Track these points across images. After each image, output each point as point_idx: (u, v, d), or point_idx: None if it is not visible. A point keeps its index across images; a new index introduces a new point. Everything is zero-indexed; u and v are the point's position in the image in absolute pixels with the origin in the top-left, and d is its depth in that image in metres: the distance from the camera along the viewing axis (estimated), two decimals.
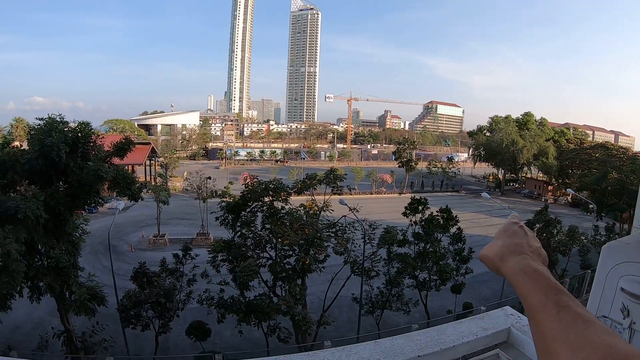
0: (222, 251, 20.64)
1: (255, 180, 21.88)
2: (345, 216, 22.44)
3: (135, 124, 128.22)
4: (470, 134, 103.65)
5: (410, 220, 25.97)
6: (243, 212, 21.38)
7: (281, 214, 21.21)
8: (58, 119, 18.50)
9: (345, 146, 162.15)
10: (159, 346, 20.59)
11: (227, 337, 22.59)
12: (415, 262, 23.30)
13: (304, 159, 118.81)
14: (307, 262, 20.11)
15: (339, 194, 23.55)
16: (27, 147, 19.20)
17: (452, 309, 25.95)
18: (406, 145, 79.60)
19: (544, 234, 29.53)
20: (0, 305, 17.06)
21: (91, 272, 20.69)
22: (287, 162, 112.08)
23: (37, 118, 18.83)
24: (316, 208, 23.02)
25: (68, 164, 17.78)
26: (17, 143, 24.13)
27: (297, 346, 20.64)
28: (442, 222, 25.49)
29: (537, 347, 0.88)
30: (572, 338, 0.81)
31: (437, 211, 25.84)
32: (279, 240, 20.57)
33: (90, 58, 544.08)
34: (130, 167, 52.54)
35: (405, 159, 78.55)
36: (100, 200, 19.51)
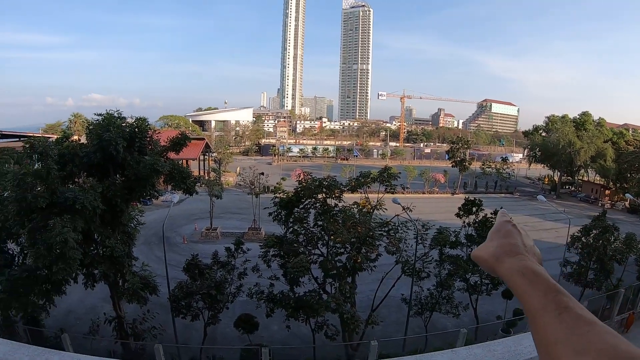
0: (274, 246, 20.68)
1: (309, 177, 21.78)
2: (398, 215, 22.05)
3: (190, 120, 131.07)
4: (526, 133, 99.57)
5: (464, 222, 25.31)
6: (296, 209, 21.35)
7: (334, 212, 21.10)
8: (116, 114, 19.18)
9: (397, 144, 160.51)
10: (207, 336, 20.89)
11: (274, 331, 22.70)
12: (467, 264, 22.64)
13: (356, 156, 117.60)
14: (358, 261, 19.91)
15: (392, 193, 23.25)
16: (86, 141, 19.84)
17: (502, 315, 25.10)
18: (460, 145, 78.05)
19: (601, 241, 28.05)
20: (55, 290, 17.88)
21: (144, 262, 21.25)
22: (348, 159, 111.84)
23: (95, 114, 19.51)
24: (369, 206, 22.74)
25: (125, 158, 18.30)
26: (75, 137, 24.99)
27: (343, 344, 20.52)
28: None
29: (538, 351, 0.85)
30: (574, 340, 0.78)
31: (490, 213, 25.00)
32: (331, 237, 20.50)
33: (146, 57, 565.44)
34: (185, 161, 53.82)
35: (458, 159, 77.14)
36: (155, 193, 19.98)
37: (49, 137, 33.64)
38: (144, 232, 23.59)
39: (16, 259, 21.48)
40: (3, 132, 55.41)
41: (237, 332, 21.07)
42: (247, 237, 37.71)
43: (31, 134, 61.44)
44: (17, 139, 57.73)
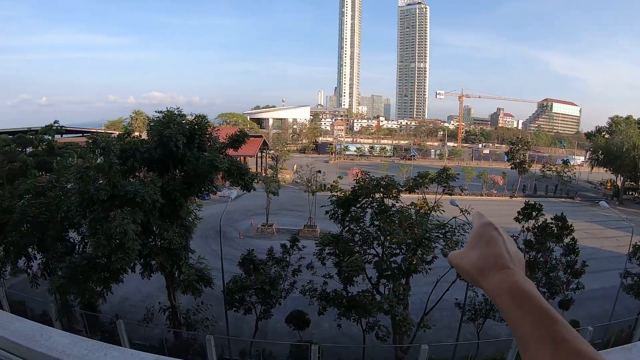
0: (329, 244, 20.60)
1: (367, 176, 21.47)
2: (455, 217, 21.42)
3: (248, 117, 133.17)
4: (588, 135, 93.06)
5: (522, 227, 24.28)
6: (353, 208, 21.09)
7: (391, 212, 20.72)
8: (176, 112, 19.60)
9: (455, 144, 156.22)
10: (258, 330, 21.02)
11: (325, 329, 22.67)
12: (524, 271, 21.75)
13: (413, 156, 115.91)
14: (413, 262, 19.51)
15: (450, 194, 22.67)
16: (147, 137, 20.42)
17: None
18: (519, 146, 74.92)
19: None
20: (113, 278, 18.47)
21: (201, 255, 21.51)
22: (411, 158, 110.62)
23: (156, 111, 20.04)
24: (427, 207, 22.24)
25: (185, 154, 18.65)
26: (136, 133, 25.88)
27: (393, 346, 20.25)
28: (556, 230, 23.60)
29: None
30: None
31: (551, 218, 24.01)
32: (387, 238, 20.19)
33: (205, 56, 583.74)
34: (243, 158, 54.55)
35: (518, 160, 74.16)
36: (213, 188, 20.27)
37: (111, 133, 34.85)
38: (202, 225, 23.97)
39: (77, 247, 22.40)
40: (67, 128, 57.77)
41: (288, 327, 21.23)
42: (303, 235, 37.76)
43: (94, 130, 64.06)
44: (81, 135, 60.39)
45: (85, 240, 20.71)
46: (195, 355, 20.48)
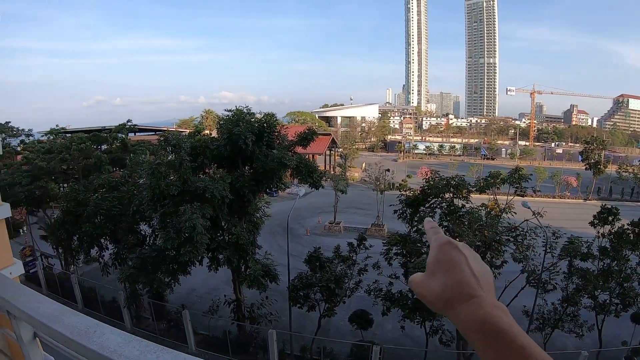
0: (396, 244, 20.31)
1: (436, 175, 21.01)
2: (527, 220, 20.59)
3: (316, 116, 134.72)
4: None
5: (598, 232, 22.68)
6: (422, 207, 20.70)
7: (461, 213, 20.17)
8: (245, 110, 19.91)
9: (527, 143, 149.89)
10: (320, 328, 21.01)
11: (387, 329, 22.47)
12: (597, 280, 20.52)
13: (484, 155, 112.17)
14: None
15: (522, 196, 21.66)
16: (216, 135, 20.83)
17: (629, 340, 22.30)
18: (594, 145, 70.27)
19: None
20: (181, 269, 19.08)
21: (267, 250, 21.72)
22: (484, 158, 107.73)
23: (225, 110, 20.44)
24: (498, 209, 21.49)
25: (254, 151, 18.91)
26: (206, 131, 26.62)
27: (456, 352, 19.81)
28: (632, 237, 21.87)
29: None
30: None
31: (627, 224, 22.18)
32: (456, 239, 19.47)
33: (274, 56, 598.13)
34: (311, 156, 54.99)
35: (592, 161, 69.56)
36: (282, 185, 20.42)
37: (182, 131, 36.00)
38: (269, 221, 24.30)
39: (147, 239, 23.32)
40: (139, 127, 60.36)
41: (351, 326, 21.12)
42: (370, 233, 37.66)
43: (166, 128, 66.59)
44: (153, 133, 62.93)
45: (156, 233, 21.57)
46: (257, 348, 20.81)
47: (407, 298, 18.98)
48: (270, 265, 19.81)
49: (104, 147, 39.26)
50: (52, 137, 42.40)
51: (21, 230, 44.30)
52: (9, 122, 52.50)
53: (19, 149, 46.39)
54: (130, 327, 23.88)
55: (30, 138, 49.11)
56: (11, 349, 2.78)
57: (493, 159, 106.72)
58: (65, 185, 34.59)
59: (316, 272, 20.50)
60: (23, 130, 50.87)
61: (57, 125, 44.91)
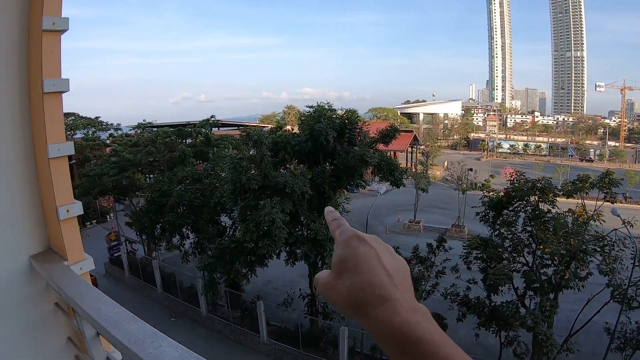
0: (477, 248, 19.59)
1: (522, 177, 20.15)
2: (616, 229, 19.14)
3: (398, 112, 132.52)
4: None
5: None
6: (505, 210, 20.02)
7: (546, 218, 19.20)
8: (326, 106, 20.04)
9: (617, 144, 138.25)
10: None
11: (461, 335, 21.79)
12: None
13: (571, 156, 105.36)
14: (565, 277, 17.83)
15: (612, 202, 20.22)
16: (298, 131, 21.09)
17: None
18: None
19: None
20: (258, 261, 19.62)
21: None
22: (593, 160, 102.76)
23: (307, 106, 20.71)
24: (586, 216, 20.29)
25: (335, 148, 18.99)
26: (288, 127, 27.06)
27: None
28: None
29: None
30: None
31: None
32: (540, 246, 18.63)
33: (353, 52, 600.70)
34: (393, 153, 54.50)
35: None
36: (362, 182, 20.39)
37: (264, 127, 36.76)
38: (348, 218, 23.72)
39: (227, 231, 24.06)
40: (222, 122, 62.42)
41: None
42: (450, 234, 36.79)
43: (248, 124, 68.42)
44: (236, 128, 64.80)
45: (235, 225, 22.20)
46: (327, 344, 20.94)
47: (484, 305, 18.42)
48: None
49: (188, 141, 40.86)
50: (139, 131, 44.65)
51: (108, 217, 46.99)
52: (99, 117, 55.61)
53: (108, 141, 49.08)
54: (205, 313, 24.74)
55: (119, 132, 51.79)
56: (80, 339, 2.93)
57: (591, 161, 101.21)
58: (151, 175, 36.34)
59: None
60: (112, 124, 53.72)
61: (144, 120, 47.10)
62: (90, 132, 49.68)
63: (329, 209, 0.93)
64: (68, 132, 49.80)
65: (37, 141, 2.99)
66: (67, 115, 58.43)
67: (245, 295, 24.31)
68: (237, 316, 23.60)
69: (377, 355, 20.56)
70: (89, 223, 45.93)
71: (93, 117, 55.70)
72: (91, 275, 4.19)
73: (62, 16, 2.81)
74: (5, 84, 2.87)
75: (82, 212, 3.19)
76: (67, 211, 2.99)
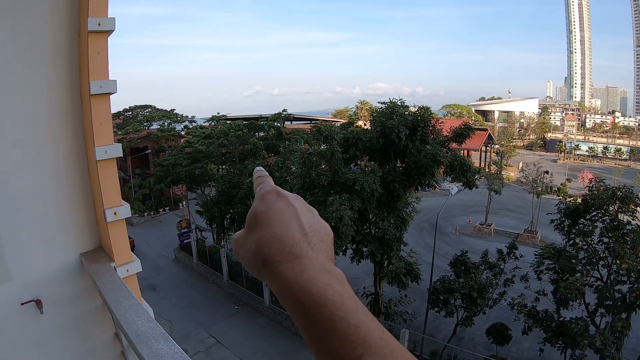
0: (549, 258, 18.65)
1: (602, 184, 18.79)
2: None
3: (472, 109, 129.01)
4: None
5: None
6: (582, 219, 18.91)
7: (625, 230, 17.77)
8: (399, 103, 19.79)
9: None
10: (455, 335, 20.39)
11: (524, 348, 21.05)
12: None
13: None
14: None
15: None
16: (369, 127, 20.99)
17: None
18: None
19: None
20: None
21: (413, 248, 21.45)
22: None
23: (379, 102, 20.57)
24: None
25: (406, 146, 18.68)
26: (360, 122, 27.05)
27: None
28: None
29: None
30: None
31: None
32: (616, 261, 17.42)
33: (428, 47, 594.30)
34: (466, 152, 53.11)
35: None
36: (434, 182, 20.07)
37: (335, 122, 36.94)
38: (418, 216, 24.02)
39: None
40: (294, 116, 63.26)
41: (486, 339, 20.10)
42: (521, 239, 35.15)
43: (320, 118, 69.10)
44: (308, 122, 65.65)
45: None
46: None
47: (552, 319, 17.55)
48: (414, 264, 19.53)
49: (260, 134, 41.68)
50: (213, 124, 46.00)
51: (180, 204, 48.79)
52: (174, 109, 57.69)
53: (183, 133, 50.91)
54: (268, 304, 25.20)
55: (193, 124, 53.52)
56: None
57: None
58: (224, 167, 37.39)
59: (460, 277, 19.80)
60: (187, 116, 55.56)
61: (218, 113, 48.47)
62: (166, 124, 51.54)
63: (257, 169, 0.85)
64: (145, 124, 52.08)
65: (88, 143, 3.02)
66: (144, 107, 61.43)
67: None
68: None
69: None
70: (162, 210, 47.89)
71: (169, 109, 57.88)
72: (130, 238, 4.26)
73: (109, 16, 2.80)
74: (58, 86, 2.91)
75: (130, 215, 3.21)
76: (115, 214, 3.05)
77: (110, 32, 2.88)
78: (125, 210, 3.16)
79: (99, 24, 2.77)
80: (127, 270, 3.21)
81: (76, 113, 3.04)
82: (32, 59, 2.79)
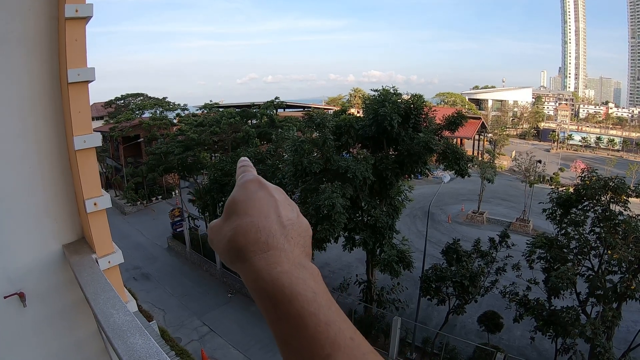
0: (541, 247, 18.66)
1: (593, 174, 18.68)
2: None
3: (466, 98, 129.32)
4: None
5: None
6: (574, 209, 18.87)
7: (617, 220, 17.78)
8: (392, 90, 19.60)
9: None
10: (447, 323, 20.48)
11: (516, 336, 21.17)
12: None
13: None
14: (632, 287, 16.53)
15: None
16: (362, 115, 20.88)
17: None
18: None
19: None
20: (317, 246, 19.37)
21: (405, 235, 21.51)
22: None
23: (372, 89, 20.40)
24: None
25: (399, 133, 18.59)
26: (352, 110, 26.96)
27: None
28: None
29: None
30: None
31: None
32: (608, 251, 17.37)
33: (423, 35, 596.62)
34: (459, 140, 52.97)
35: None
36: (426, 170, 20.03)
37: (328, 109, 36.83)
38: (411, 204, 24.00)
39: None
40: (287, 103, 63.13)
41: (478, 327, 20.18)
42: (514, 228, 35.48)
43: (313, 106, 69.10)
44: (301, 109, 65.69)
45: None
46: (379, 332, 20.81)
47: (543, 308, 17.65)
48: (406, 252, 19.45)
49: (253, 121, 41.49)
50: (205, 111, 45.80)
51: (173, 193, 48.68)
52: (166, 97, 57.53)
53: (175, 121, 50.70)
54: None
55: (186, 112, 53.32)
56: None
57: None
58: (216, 155, 37.24)
59: (452, 265, 19.82)
60: (179, 104, 55.35)
61: (210, 100, 48.34)
62: (158, 112, 51.31)
63: (242, 159, 0.82)
64: (137, 112, 51.82)
65: (68, 133, 2.97)
66: (136, 95, 61.17)
67: None
68: None
69: (427, 348, 20.38)
70: (154, 198, 47.75)
71: (161, 97, 57.65)
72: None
73: (87, 2, 2.76)
74: (37, 74, 2.85)
75: (111, 205, 3.18)
76: (95, 204, 3.03)
77: (88, 18, 2.82)
78: (105, 200, 3.13)
79: (77, 11, 2.71)
80: (109, 262, 3.20)
81: (56, 102, 2.98)
82: (10, 46, 2.73)
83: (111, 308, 2.15)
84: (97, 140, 2.99)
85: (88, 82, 2.90)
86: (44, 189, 3.03)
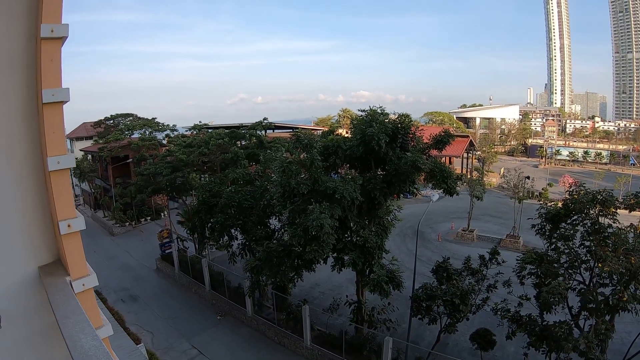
0: (531, 263, 18.54)
1: (581, 188, 18.78)
2: None
3: (454, 116, 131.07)
4: None
5: None
6: (563, 223, 18.85)
7: (606, 233, 17.73)
8: (379, 110, 19.65)
9: None
10: (439, 342, 20.29)
11: (509, 353, 21.10)
12: None
13: (633, 164, 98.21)
14: (624, 299, 16.71)
15: None
16: (350, 135, 20.95)
17: None
18: None
19: None
20: (305, 266, 19.53)
21: (394, 255, 21.51)
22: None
23: (359, 110, 20.55)
24: None
25: (387, 153, 18.61)
26: (341, 130, 27.11)
27: None
28: None
29: None
30: None
31: None
32: (598, 264, 17.30)
33: (410, 55, 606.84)
34: (447, 159, 53.12)
35: None
36: (414, 189, 19.96)
37: (316, 130, 36.91)
38: (400, 223, 23.95)
39: (276, 233, 24.23)
40: (276, 124, 63.55)
41: (471, 345, 20.02)
42: (504, 244, 35.77)
43: (301, 126, 69.51)
44: (290, 130, 66.12)
45: (284, 229, 22.29)
46: (371, 352, 20.55)
47: (535, 323, 17.50)
48: (396, 272, 19.36)
49: (243, 142, 41.47)
50: (195, 132, 45.78)
51: (162, 214, 48.42)
52: (155, 118, 57.43)
53: (164, 142, 50.61)
54: (250, 314, 25.02)
55: (175, 133, 53.24)
56: None
57: None
58: (205, 176, 37.14)
59: (442, 283, 19.72)
60: (168, 125, 55.22)
61: (200, 121, 48.30)
62: (147, 133, 51.21)
63: None
64: (126, 132, 51.70)
65: (44, 153, 2.94)
66: (125, 115, 61.07)
67: (292, 298, 24.36)
68: (282, 319, 23.65)
69: None
70: (143, 219, 47.47)
71: (151, 117, 57.61)
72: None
73: (63, 22, 2.75)
74: (14, 93, 2.84)
75: (85, 227, 3.16)
76: (69, 226, 2.99)
77: (64, 39, 2.80)
78: (79, 222, 3.11)
79: (52, 30, 2.70)
80: (83, 285, 3.17)
81: (33, 122, 2.96)
82: None
83: (79, 332, 2.15)
84: (71, 161, 2.98)
85: (63, 102, 2.88)
86: (18, 209, 3.00)
